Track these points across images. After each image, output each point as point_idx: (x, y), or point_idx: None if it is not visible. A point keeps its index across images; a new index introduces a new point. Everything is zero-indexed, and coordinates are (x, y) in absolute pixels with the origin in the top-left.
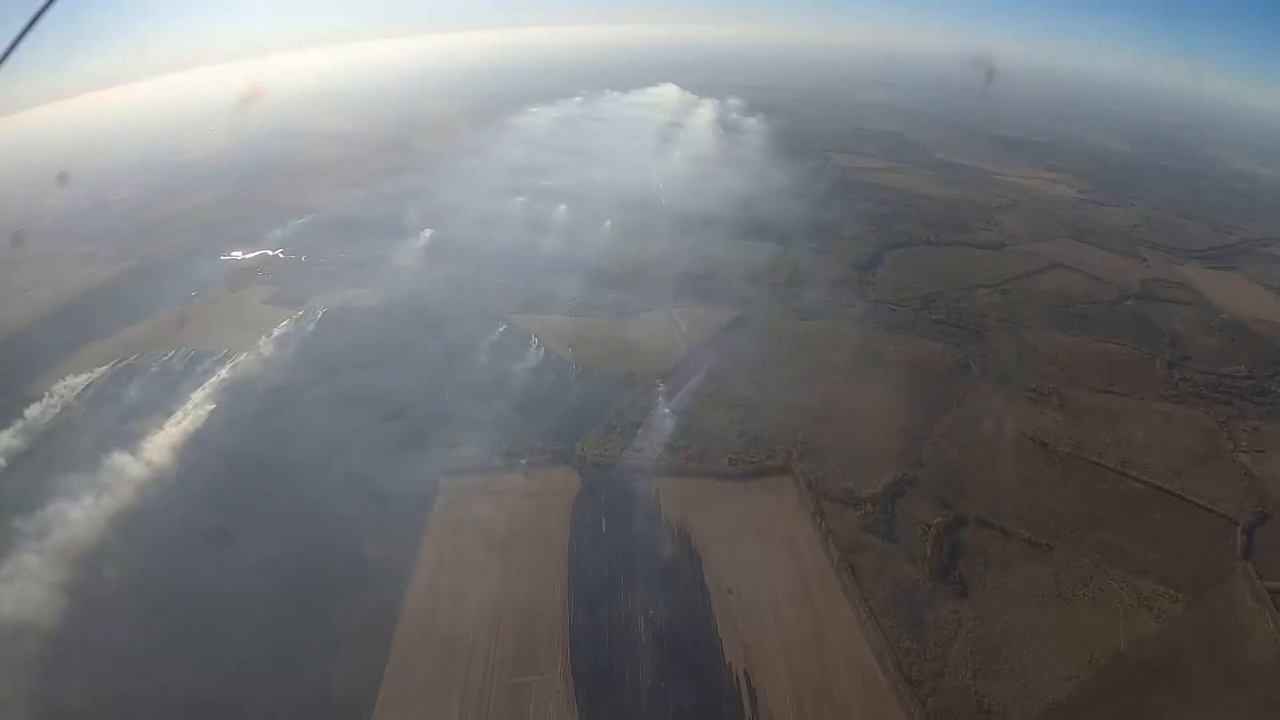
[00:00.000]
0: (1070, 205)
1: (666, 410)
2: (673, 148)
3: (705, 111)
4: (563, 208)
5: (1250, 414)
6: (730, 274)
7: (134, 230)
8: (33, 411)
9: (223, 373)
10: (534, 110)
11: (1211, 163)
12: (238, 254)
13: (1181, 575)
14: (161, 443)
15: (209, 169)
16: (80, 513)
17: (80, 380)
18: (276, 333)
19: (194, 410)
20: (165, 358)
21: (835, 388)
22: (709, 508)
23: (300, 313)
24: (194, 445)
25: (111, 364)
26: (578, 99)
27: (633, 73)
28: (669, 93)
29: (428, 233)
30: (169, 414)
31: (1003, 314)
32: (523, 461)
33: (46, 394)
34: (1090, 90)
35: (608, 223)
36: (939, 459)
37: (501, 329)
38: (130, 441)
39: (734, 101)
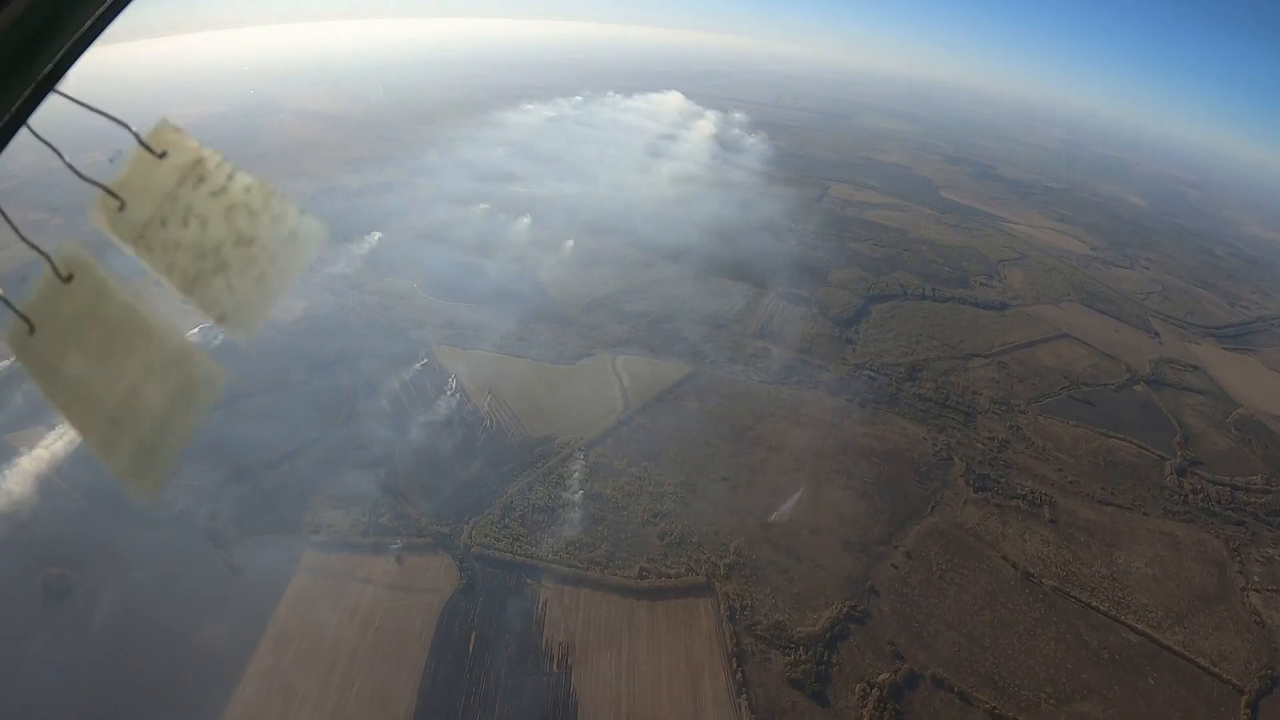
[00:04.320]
0: (1081, 263)
1: (578, 495)
2: (661, 163)
3: (705, 125)
4: (525, 221)
5: (1264, 539)
6: (693, 319)
7: (83, 199)
8: None
9: None
10: (528, 107)
11: (1225, 225)
12: None
13: None
14: (26, 468)
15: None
16: None
17: None
18: None
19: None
20: None
21: (788, 480)
22: (603, 634)
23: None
24: (60, 473)
25: (11, 360)
26: (577, 98)
27: (643, 76)
28: (672, 101)
29: (375, 236)
30: (52, 426)
31: (997, 392)
32: (396, 544)
33: None
34: (1104, 136)
35: (569, 243)
36: (898, 587)
37: (420, 364)
38: (4, 458)
39: (738, 116)
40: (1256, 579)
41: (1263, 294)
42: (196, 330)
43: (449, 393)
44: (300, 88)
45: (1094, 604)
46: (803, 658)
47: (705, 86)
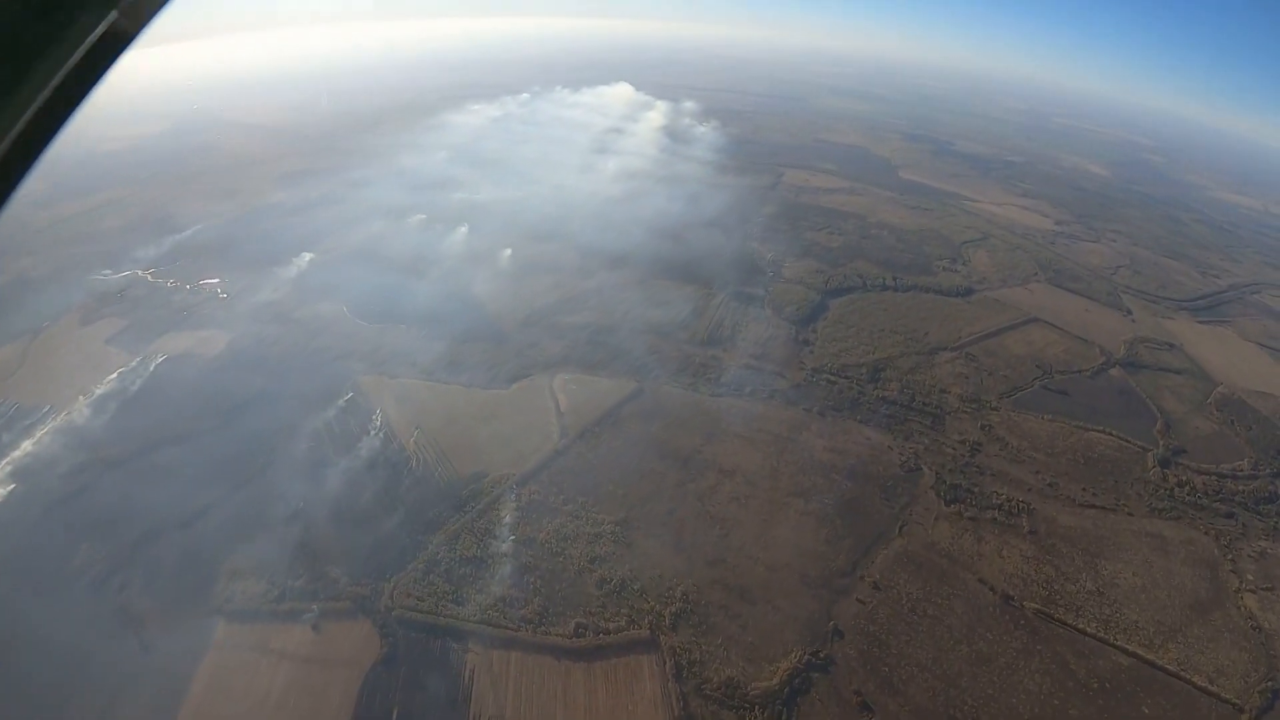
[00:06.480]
0: (1047, 240)
1: (508, 543)
2: (607, 160)
3: (655, 116)
4: (463, 231)
5: (1255, 531)
6: (636, 329)
7: (23, 234)
8: None
9: (27, 445)
10: (474, 108)
11: (1189, 191)
12: (108, 272)
13: None
14: None
15: (123, 162)
16: None
17: None
18: (100, 391)
19: None
20: None
21: (741, 509)
22: (536, 706)
23: (135, 361)
24: None
25: None
26: (524, 95)
27: (594, 69)
28: (621, 93)
29: (306, 257)
30: None
31: (967, 388)
32: (313, 611)
33: None
34: (1064, 105)
35: (507, 252)
36: (865, 626)
37: (345, 399)
38: None
39: (689, 105)
40: (1250, 578)
41: (1232, 260)
42: (116, 375)
43: (373, 432)
44: (244, 100)
45: (1080, 626)
46: (759, 718)
47: (658, 75)
